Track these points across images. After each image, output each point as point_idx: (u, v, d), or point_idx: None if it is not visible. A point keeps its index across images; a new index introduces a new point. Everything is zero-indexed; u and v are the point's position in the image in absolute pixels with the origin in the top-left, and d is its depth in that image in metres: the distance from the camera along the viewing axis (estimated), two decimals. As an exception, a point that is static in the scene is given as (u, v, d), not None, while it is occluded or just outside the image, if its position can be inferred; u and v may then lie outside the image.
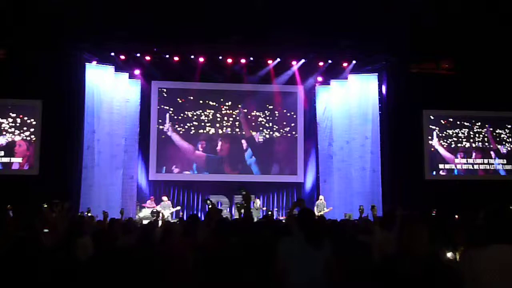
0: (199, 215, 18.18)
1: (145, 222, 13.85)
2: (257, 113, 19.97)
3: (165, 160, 19.50)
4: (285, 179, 19.87)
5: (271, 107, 20.07)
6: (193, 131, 19.61)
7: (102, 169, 17.89)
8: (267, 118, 20.00)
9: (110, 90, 18.49)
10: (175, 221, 15.67)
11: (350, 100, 19.18)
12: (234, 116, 19.84)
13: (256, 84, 19.75)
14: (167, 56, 18.71)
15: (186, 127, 19.59)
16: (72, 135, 17.21)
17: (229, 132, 19.77)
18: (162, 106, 19.65)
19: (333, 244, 4.83)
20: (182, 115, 19.66)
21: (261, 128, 19.93)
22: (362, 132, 18.88)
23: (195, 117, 19.67)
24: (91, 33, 16.87)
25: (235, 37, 17.03)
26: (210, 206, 6.21)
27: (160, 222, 14.25)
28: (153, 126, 19.50)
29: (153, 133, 19.46)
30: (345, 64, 19.31)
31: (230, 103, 19.88)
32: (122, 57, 18.60)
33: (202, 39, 17.27)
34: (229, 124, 19.79)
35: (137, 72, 19.09)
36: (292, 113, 20.11)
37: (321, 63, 19.39)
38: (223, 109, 19.81)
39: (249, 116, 19.93)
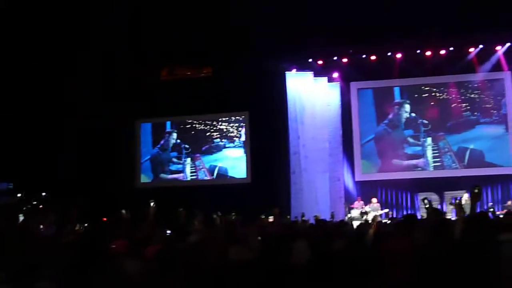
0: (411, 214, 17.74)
1: (355, 223, 13.87)
2: (462, 104, 18.97)
3: (374, 160, 19.33)
4: (497, 172, 18.52)
5: (477, 96, 18.95)
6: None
7: (309, 173, 18.29)
8: (473, 107, 18.90)
9: (311, 95, 18.90)
10: (386, 220, 15.50)
11: None
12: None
13: (459, 74, 18.83)
14: (364, 56, 18.64)
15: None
16: (279, 142, 17.93)
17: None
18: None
19: None
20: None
21: (466, 118, 18.88)
22: None
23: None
24: (288, 42, 17.40)
25: (433, 28, 16.41)
26: (427, 206, 5.95)
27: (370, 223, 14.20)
28: (355, 127, 19.47)
29: (356, 134, 19.42)
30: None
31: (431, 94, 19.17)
32: (320, 62, 18.91)
33: (398, 35, 16.92)
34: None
35: (335, 75, 19.26)
36: (500, 100, 18.77)
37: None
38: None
39: (453, 106, 19.05)
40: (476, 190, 5.18)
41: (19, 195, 15.54)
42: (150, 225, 6.92)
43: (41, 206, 14.66)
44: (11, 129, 17.20)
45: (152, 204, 7.37)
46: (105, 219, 11.33)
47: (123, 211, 8.85)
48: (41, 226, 9.22)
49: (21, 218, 11.12)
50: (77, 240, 7.55)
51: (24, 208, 13.62)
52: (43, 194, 15.05)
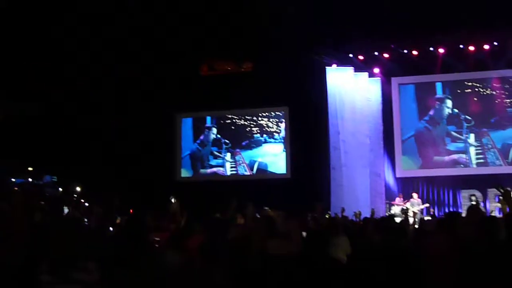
0: (451, 211, 17.50)
1: (395, 219, 13.76)
2: (506, 99, 18.58)
3: (415, 157, 19.08)
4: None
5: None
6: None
7: (349, 169, 18.22)
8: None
9: (351, 90, 18.81)
10: (427, 217, 15.35)
11: None
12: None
13: (503, 69, 18.43)
14: (405, 51, 18.45)
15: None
16: (319, 138, 17.95)
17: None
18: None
19: None
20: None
21: (511, 114, 18.49)
22: None
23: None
24: (329, 38, 17.36)
25: (477, 23, 16.12)
26: (474, 203, 5.89)
27: (411, 220, 14.09)
28: (396, 123, 19.27)
29: (397, 130, 19.22)
30: None
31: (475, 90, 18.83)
32: (361, 57, 18.80)
33: (440, 29, 16.70)
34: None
35: (376, 70, 19.10)
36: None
37: None
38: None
39: (497, 101, 18.66)
40: (502, 190, 5.11)
41: (60, 189, 15.92)
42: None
43: (82, 200, 15.00)
44: (56, 122, 17.60)
45: (173, 200, 7.47)
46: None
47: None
48: (86, 219, 9.44)
49: (66, 210, 11.40)
50: (119, 232, 7.70)
51: (68, 201, 13.94)
52: (79, 188, 15.38)
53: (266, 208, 13.02)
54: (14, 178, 16.39)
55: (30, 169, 18.01)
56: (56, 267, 4.17)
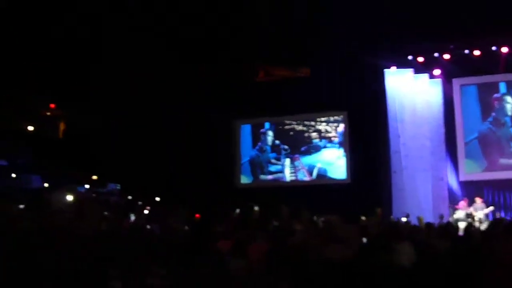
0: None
1: (460, 224, 13.50)
2: None
3: (479, 159, 18.57)
4: None
5: None
6: None
7: (410, 172, 17.92)
8: None
9: (411, 93, 18.54)
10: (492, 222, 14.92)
11: None
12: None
13: None
14: (467, 51, 18.03)
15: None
16: (379, 141, 17.76)
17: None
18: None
19: None
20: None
21: None
22: None
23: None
24: (387, 40, 17.17)
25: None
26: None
27: (476, 225, 13.77)
28: (459, 125, 18.82)
29: (459, 132, 18.76)
30: None
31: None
32: (420, 59, 18.49)
33: (503, 27, 16.25)
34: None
35: (436, 72, 18.72)
36: None
37: None
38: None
39: None
40: None
41: (130, 197, 16.28)
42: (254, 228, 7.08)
43: (148, 207, 15.31)
44: (118, 134, 18.04)
45: (256, 208, 7.56)
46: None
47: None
48: (148, 226, 9.63)
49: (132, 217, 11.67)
50: (184, 239, 7.83)
51: (133, 208, 14.25)
52: (156, 198, 15.63)
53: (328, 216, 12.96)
54: (79, 187, 16.88)
55: (94, 177, 18.54)
56: (128, 273, 4.28)
